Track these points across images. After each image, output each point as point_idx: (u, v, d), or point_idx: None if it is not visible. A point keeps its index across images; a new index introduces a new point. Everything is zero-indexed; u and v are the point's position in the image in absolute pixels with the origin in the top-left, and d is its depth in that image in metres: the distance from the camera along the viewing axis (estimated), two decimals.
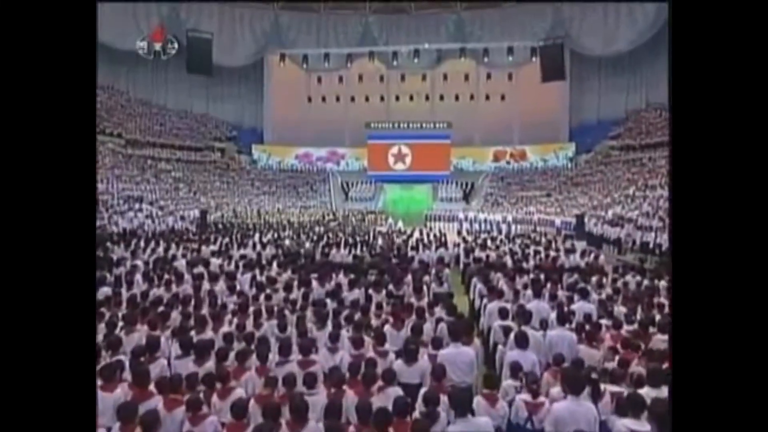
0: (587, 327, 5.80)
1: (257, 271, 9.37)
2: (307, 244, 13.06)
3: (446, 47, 28.37)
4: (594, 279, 8.79)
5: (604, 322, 6.01)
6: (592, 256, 11.40)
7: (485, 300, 7.68)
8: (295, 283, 8.46)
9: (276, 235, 16.46)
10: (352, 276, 8.98)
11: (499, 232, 19.20)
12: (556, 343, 5.20)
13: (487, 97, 31.63)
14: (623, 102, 29.36)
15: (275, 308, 6.84)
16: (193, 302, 7.16)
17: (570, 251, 12.12)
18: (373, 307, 6.94)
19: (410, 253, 12.55)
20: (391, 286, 8.09)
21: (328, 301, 7.43)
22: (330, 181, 31.45)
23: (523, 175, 30.41)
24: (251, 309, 6.71)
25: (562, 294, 7.71)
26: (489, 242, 14.27)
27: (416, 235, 16.65)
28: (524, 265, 10.87)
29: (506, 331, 5.84)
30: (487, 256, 11.60)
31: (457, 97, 31.61)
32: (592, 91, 30.07)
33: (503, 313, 6.30)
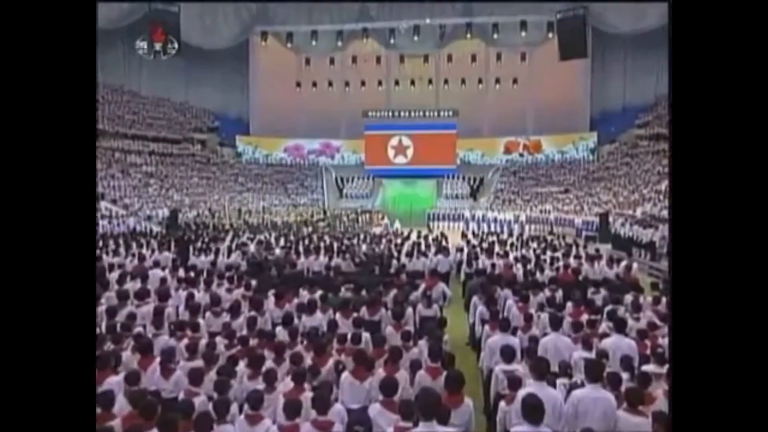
0: (628, 377, 4.38)
1: (203, 288, 7.99)
2: (278, 251, 11.62)
3: (450, 22, 26.85)
4: (628, 298, 7.31)
5: (651, 368, 4.54)
6: (623, 265, 9.91)
7: (487, 328, 6.24)
8: (246, 303, 7.11)
9: (253, 238, 15.23)
10: (320, 293, 7.58)
11: (510, 234, 17.86)
12: (585, 411, 3.74)
13: (498, 81, 30.33)
14: (652, 85, 27.63)
15: (201, 344, 5.49)
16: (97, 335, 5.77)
17: (594, 258, 10.67)
18: (336, 342, 5.56)
19: (403, 261, 11.14)
20: (364, 310, 6.66)
21: (280, 330, 6.07)
22: (323, 177, 30.52)
23: (538, 168, 29.37)
24: (167, 344, 5.32)
25: (587, 319, 6.28)
26: (497, 247, 12.81)
27: (413, 237, 15.32)
28: (538, 276, 9.43)
29: (512, 381, 4.42)
30: (493, 265, 10.16)
31: (463, 81, 30.32)
32: (617, 74, 28.61)
33: (508, 354, 4.88)
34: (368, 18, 28.00)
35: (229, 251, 11.90)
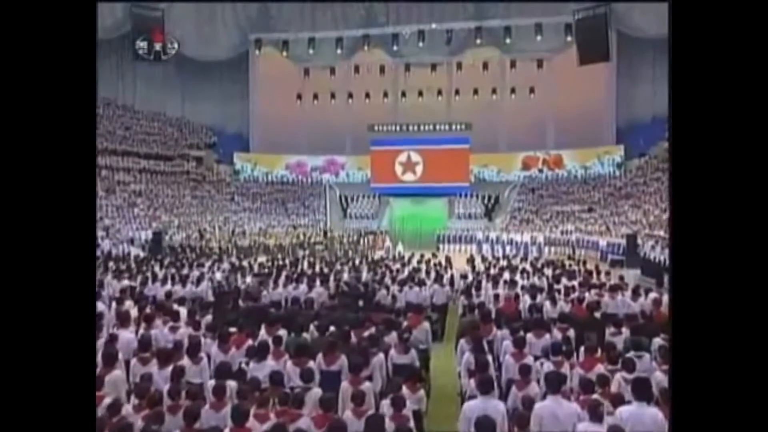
0: None
1: (142, 327, 7.06)
2: (249, 279, 10.66)
3: (458, 27, 26.11)
4: (657, 341, 6.17)
5: None
6: (651, 298, 8.72)
7: (471, 383, 5.16)
8: (185, 346, 6.15)
9: (236, 263, 14.48)
10: (280, 332, 6.61)
11: (525, 258, 16.73)
12: None
13: (513, 91, 29.53)
14: None
15: (103, 405, 4.53)
16: None
17: (617, 288, 9.51)
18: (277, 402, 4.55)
19: (393, 291, 10.12)
20: (320, 358, 5.63)
21: (210, 385, 5.10)
22: (326, 196, 29.83)
23: (559, 185, 28.57)
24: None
25: (600, 374, 5.16)
26: (507, 274, 11.69)
27: (414, 263, 14.31)
28: (549, 309, 8.32)
29: None
30: (497, 297, 9.06)
31: (475, 92, 29.52)
32: (645, 81, 27.42)
33: (485, 429, 3.77)
34: (376, 23, 27.47)
35: (199, 279, 11.00)
